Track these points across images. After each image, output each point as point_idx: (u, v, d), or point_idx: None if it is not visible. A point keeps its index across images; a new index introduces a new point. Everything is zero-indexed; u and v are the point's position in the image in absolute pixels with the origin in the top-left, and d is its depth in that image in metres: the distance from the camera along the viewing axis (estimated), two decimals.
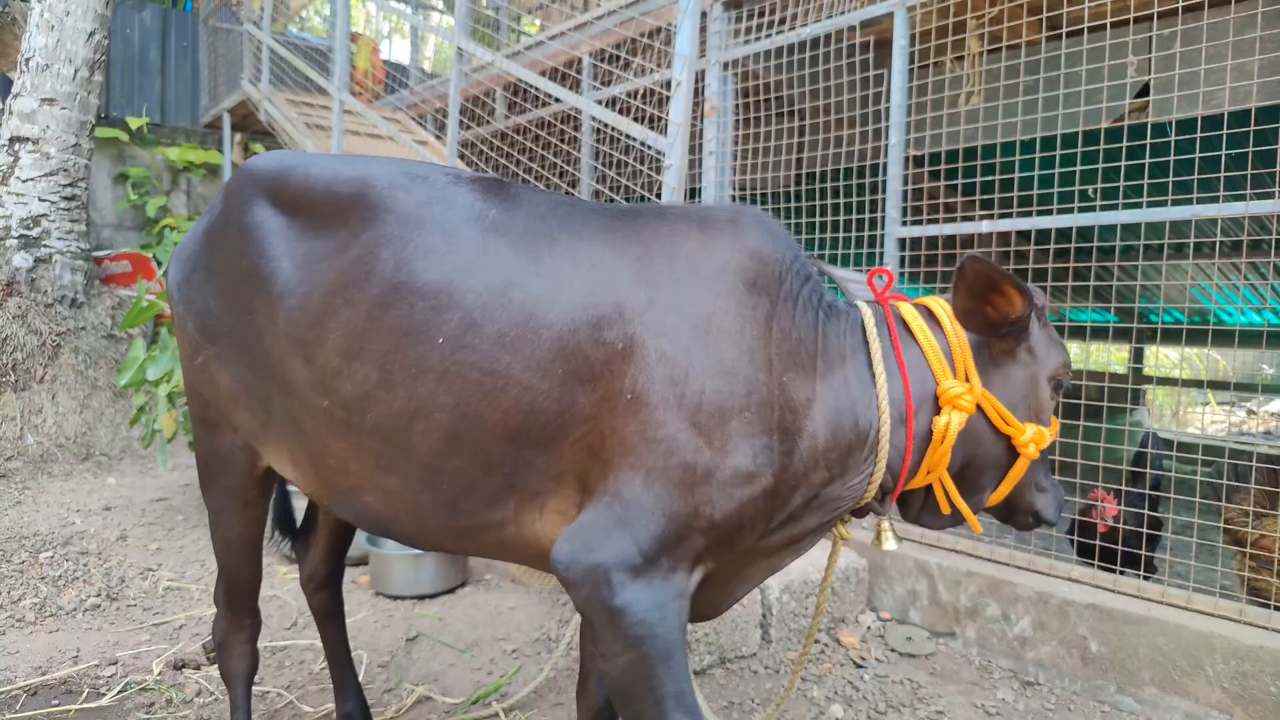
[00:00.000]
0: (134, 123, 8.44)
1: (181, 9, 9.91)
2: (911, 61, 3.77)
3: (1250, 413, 10.36)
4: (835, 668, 3.13)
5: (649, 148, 3.08)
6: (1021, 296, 1.55)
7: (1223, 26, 3.36)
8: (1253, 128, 2.97)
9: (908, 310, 1.68)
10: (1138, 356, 8.92)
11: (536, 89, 4.76)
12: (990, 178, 3.58)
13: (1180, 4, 3.55)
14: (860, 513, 1.69)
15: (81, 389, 6.43)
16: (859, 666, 3.15)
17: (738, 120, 4.52)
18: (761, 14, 4.28)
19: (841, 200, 3.96)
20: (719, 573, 1.60)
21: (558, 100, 4.98)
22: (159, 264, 7.69)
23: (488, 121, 6.04)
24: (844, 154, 4.18)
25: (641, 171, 3.96)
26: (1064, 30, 4.11)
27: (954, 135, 3.87)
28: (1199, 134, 3.13)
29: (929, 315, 1.68)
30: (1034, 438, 1.62)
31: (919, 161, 4.27)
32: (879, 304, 1.73)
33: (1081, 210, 3.25)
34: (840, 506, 1.60)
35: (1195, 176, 3.31)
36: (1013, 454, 1.64)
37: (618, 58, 5.07)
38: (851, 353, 1.60)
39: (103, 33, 6.66)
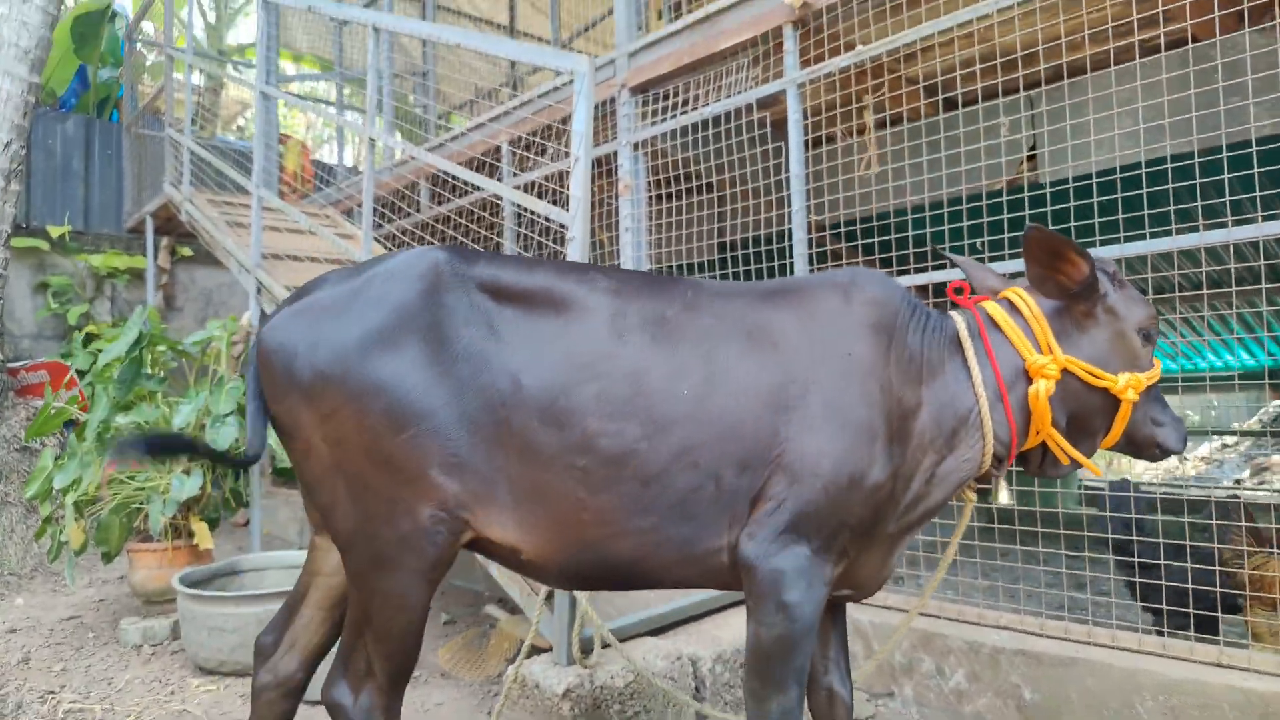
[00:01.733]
0: (55, 231, 8.31)
1: (107, 119, 9.94)
2: (809, 133, 3.95)
3: (1181, 458, 10.67)
4: None
5: (560, 224, 3.14)
6: (1083, 259, 1.90)
7: (1102, 97, 3.60)
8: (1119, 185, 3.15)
9: (990, 306, 2.06)
10: None
11: (456, 178, 4.85)
12: (887, 237, 3.71)
13: (1065, 80, 3.82)
14: (984, 479, 2.05)
15: None
16: None
17: (652, 197, 4.65)
18: (667, 96, 4.47)
19: (753, 267, 4.06)
20: (874, 555, 1.97)
21: (477, 188, 5.07)
22: (81, 375, 7.47)
23: (410, 213, 6.11)
24: (753, 224, 4.31)
25: (558, 249, 4.01)
26: (959, 107, 4.36)
27: (857, 202, 4.03)
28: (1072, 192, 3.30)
29: (1009, 305, 2.05)
30: (1129, 383, 1.95)
31: (822, 227, 4.42)
32: (967, 308, 2.10)
33: (992, 259, 3.39)
34: (961, 477, 1.97)
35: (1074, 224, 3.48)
36: (1113, 401, 1.98)
37: (534, 144, 5.21)
38: (949, 356, 1.99)
39: (19, 143, 6.62)
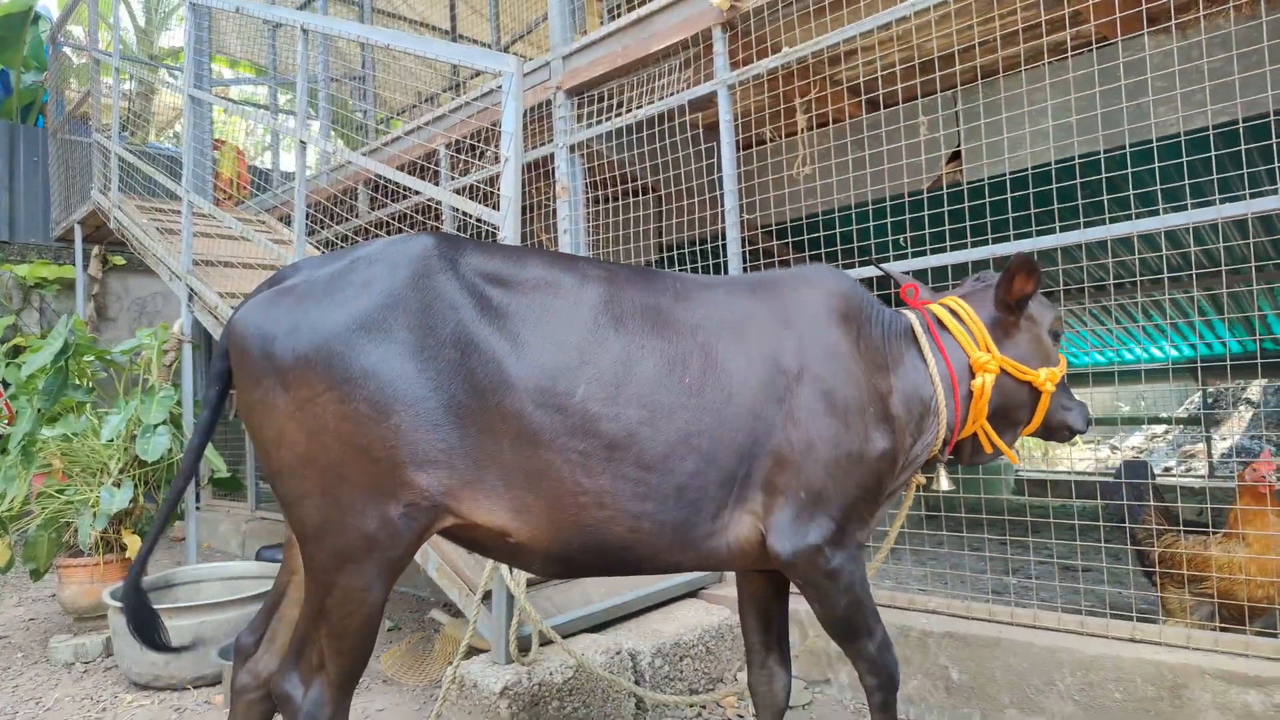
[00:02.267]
0: None
1: (33, 124, 9.62)
2: (741, 134, 4.02)
3: (1113, 448, 11.05)
4: None
5: (492, 225, 3.14)
6: (1035, 278, 2.19)
7: (1017, 95, 3.73)
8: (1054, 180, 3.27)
9: (938, 309, 2.29)
10: None
11: (394, 183, 4.81)
12: (816, 234, 3.81)
13: (979, 80, 3.94)
14: (929, 465, 2.29)
15: None
16: None
17: (590, 198, 4.68)
18: (602, 99, 4.50)
19: (690, 266, 4.11)
20: None
21: (416, 192, 5.04)
22: (6, 386, 7.21)
23: (348, 219, 6.04)
24: (689, 224, 4.36)
25: None
26: (882, 108, 4.48)
27: (787, 201, 4.11)
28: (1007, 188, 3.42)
29: (950, 311, 2.29)
30: (1048, 377, 2.24)
31: (755, 226, 4.50)
32: (917, 309, 2.33)
33: (915, 255, 3.50)
34: (919, 460, 2.20)
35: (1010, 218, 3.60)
36: (1036, 393, 2.26)
37: (474, 148, 5.20)
38: (906, 348, 2.21)
39: None
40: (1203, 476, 9.33)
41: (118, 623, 3.86)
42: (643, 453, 1.84)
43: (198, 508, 7.26)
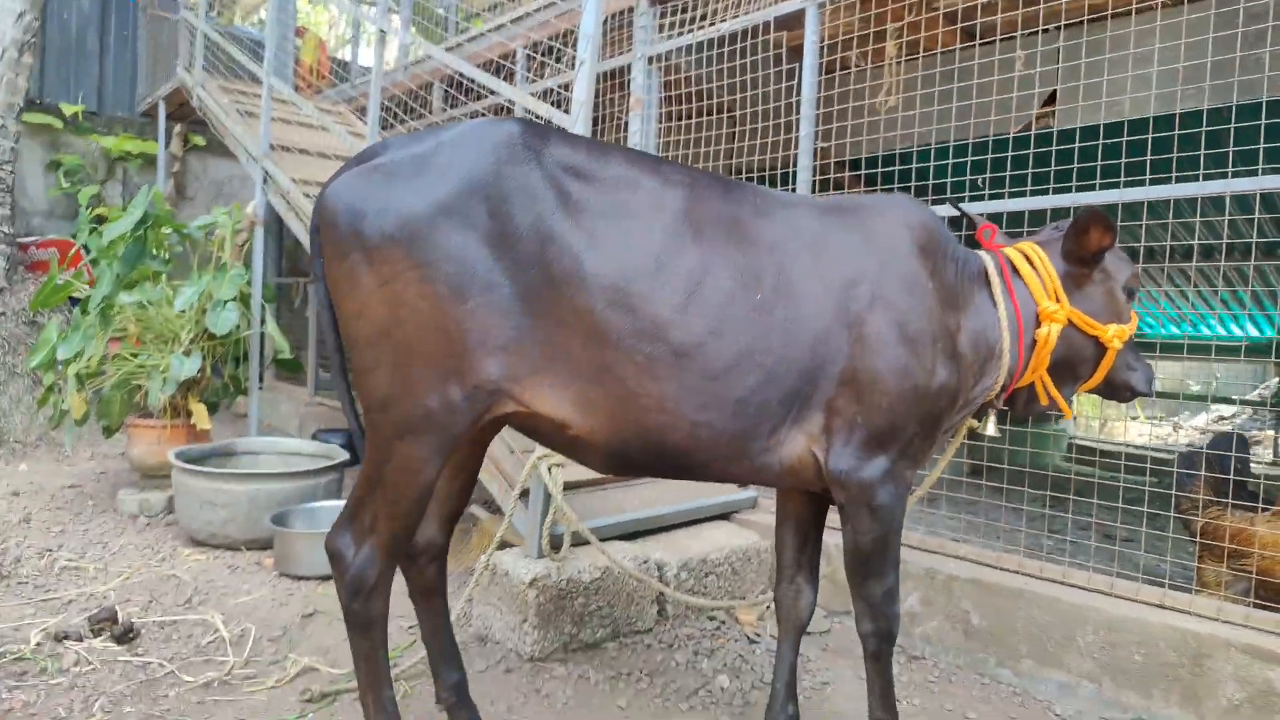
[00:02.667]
0: (68, 109, 8.27)
1: None
2: (826, 59, 3.88)
3: (1176, 426, 10.71)
4: (729, 643, 3.17)
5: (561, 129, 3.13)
6: (1112, 234, 2.12)
7: (1124, 38, 3.51)
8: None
9: (1013, 254, 2.24)
10: None
11: (471, 81, 4.79)
12: (892, 168, 3.69)
13: (1085, 16, 3.72)
14: (980, 411, 2.28)
15: None
16: (752, 642, 3.19)
17: (663, 114, 4.60)
18: (685, 9, 4.37)
19: None
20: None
21: (491, 92, 5.02)
22: (87, 251, 7.54)
23: (424, 114, 6.05)
24: (761, 149, 4.27)
25: None
26: (978, 38, 4.26)
27: (869, 134, 3.98)
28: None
29: (1024, 257, 2.23)
30: (1116, 334, 2.20)
31: (830, 156, 4.37)
32: (993, 251, 2.27)
33: (992, 199, 3.39)
34: (977, 402, 2.19)
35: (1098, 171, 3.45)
36: (1102, 348, 2.22)
37: (552, 49, 5.13)
38: (979, 289, 2.17)
39: (33, 14, 6.54)
40: (1268, 463, 9.01)
41: (180, 482, 4.11)
42: (708, 364, 1.86)
43: (261, 387, 7.58)
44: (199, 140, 8.79)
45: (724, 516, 3.86)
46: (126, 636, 2.94)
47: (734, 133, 4.25)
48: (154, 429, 4.71)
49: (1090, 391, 2.37)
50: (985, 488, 3.55)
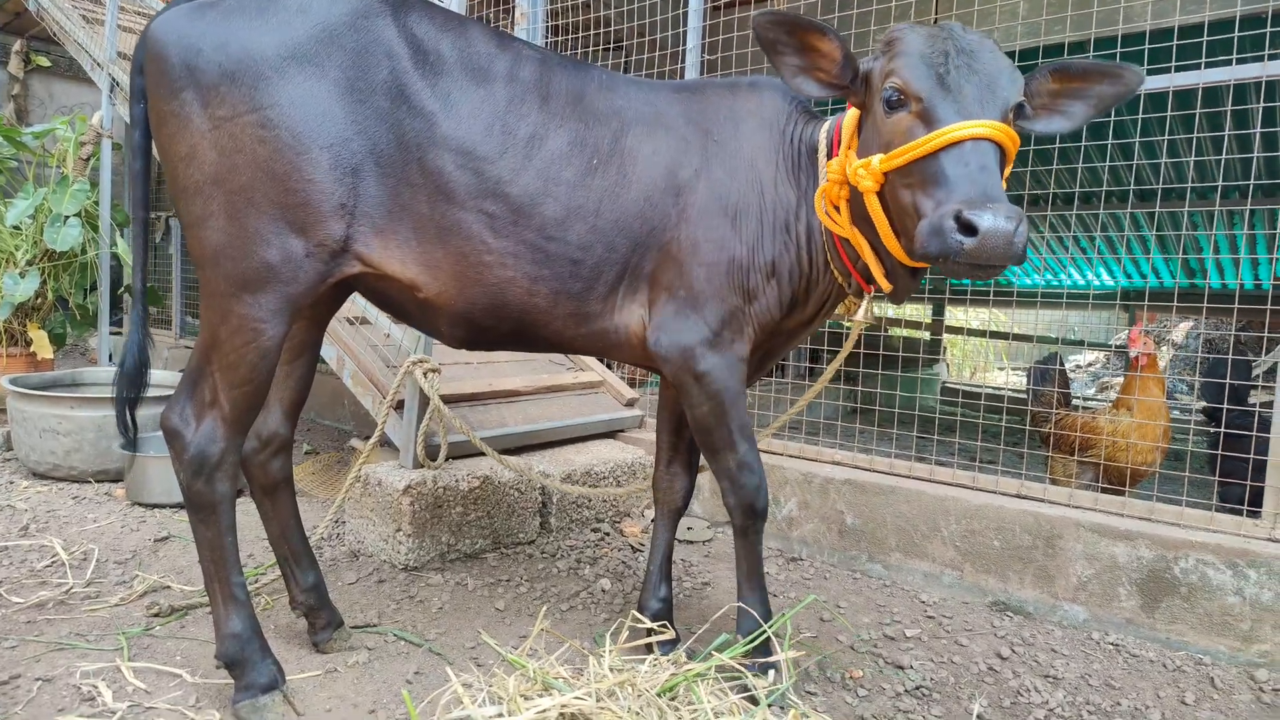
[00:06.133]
0: None
1: None
2: None
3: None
4: (613, 552, 3.15)
5: None
6: (834, 41, 1.72)
7: None
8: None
9: (847, 118, 1.90)
10: (938, 311, 9.62)
11: None
12: None
13: None
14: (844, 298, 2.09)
15: None
16: (636, 551, 3.19)
17: (548, 32, 4.45)
18: None
19: None
20: (757, 349, 2.08)
21: None
22: None
23: None
24: (650, 74, 4.20)
25: None
26: None
27: (757, 67, 3.97)
28: None
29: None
30: (864, 169, 1.71)
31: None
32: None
33: None
34: (829, 290, 2.03)
35: None
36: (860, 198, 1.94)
37: None
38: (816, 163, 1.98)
39: None
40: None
41: (16, 409, 3.75)
42: (544, 221, 1.88)
43: (119, 326, 7.05)
44: (42, 60, 7.97)
45: (611, 435, 3.84)
46: None
47: (623, 64, 4.16)
48: None
49: (920, 261, 1.60)
50: (862, 428, 3.65)
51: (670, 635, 2.11)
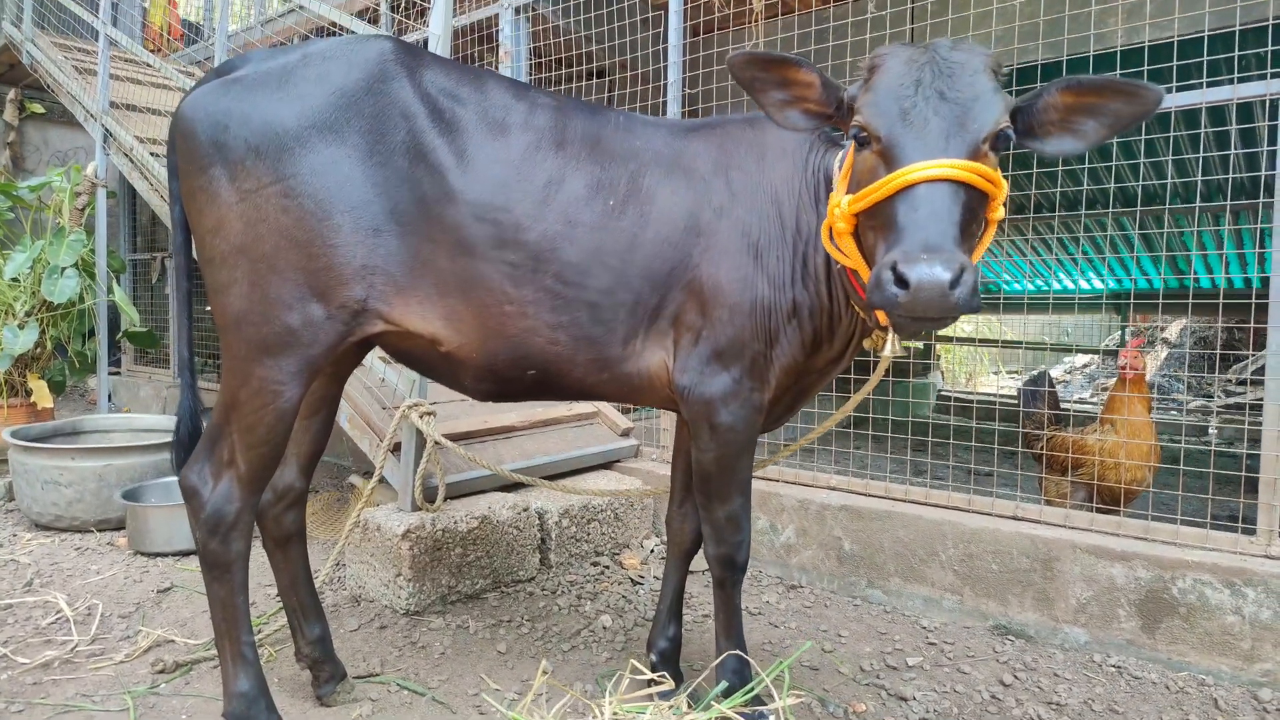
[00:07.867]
0: None
1: None
2: (690, 20, 3.87)
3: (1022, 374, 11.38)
4: (612, 586, 3.16)
5: None
6: (810, 71, 1.64)
7: None
8: None
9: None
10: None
11: (338, 28, 4.58)
12: None
13: None
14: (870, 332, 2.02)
15: None
16: (635, 584, 3.20)
17: (531, 67, 4.50)
18: None
19: None
20: (786, 391, 2.04)
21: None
22: None
23: None
24: (630, 103, 4.25)
25: None
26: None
27: (734, 96, 4.01)
28: None
29: None
30: (837, 209, 1.66)
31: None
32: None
33: None
34: (852, 328, 1.96)
35: None
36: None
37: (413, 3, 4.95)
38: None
39: None
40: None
41: (18, 461, 3.78)
42: (563, 266, 1.87)
43: (117, 369, 7.08)
44: (36, 108, 8.07)
45: (607, 465, 3.85)
46: None
47: (606, 98, 4.20)
48: None
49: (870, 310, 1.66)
50: (857, 438, 3.67)
51: (669, 686, 2.12)
